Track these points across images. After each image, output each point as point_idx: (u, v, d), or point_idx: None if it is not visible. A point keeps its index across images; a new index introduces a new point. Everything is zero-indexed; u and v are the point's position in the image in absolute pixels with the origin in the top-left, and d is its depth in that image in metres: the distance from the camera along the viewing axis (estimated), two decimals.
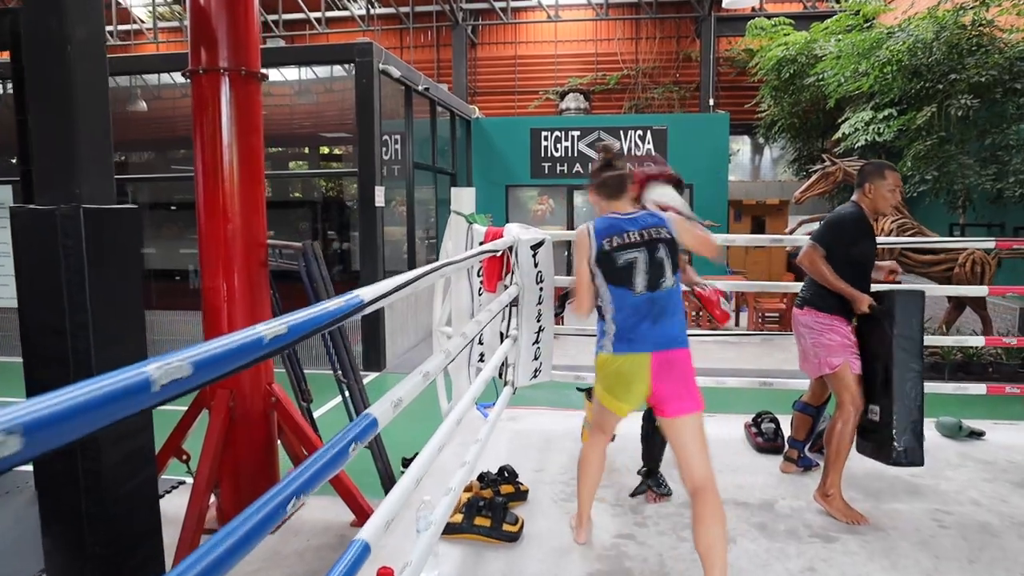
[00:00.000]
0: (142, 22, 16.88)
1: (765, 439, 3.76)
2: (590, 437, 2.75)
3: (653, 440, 3.15)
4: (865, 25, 10.65)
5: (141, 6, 16.63)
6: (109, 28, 16.30)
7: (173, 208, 9.51)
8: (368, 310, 1.45)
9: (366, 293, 1.46)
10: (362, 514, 3.76)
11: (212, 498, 3.76)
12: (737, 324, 10.18)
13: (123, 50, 16.12)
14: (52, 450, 0.64)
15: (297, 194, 10.81)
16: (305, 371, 4.44)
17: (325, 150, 10.91)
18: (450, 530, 2.75)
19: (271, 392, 3.84)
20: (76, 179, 2.35)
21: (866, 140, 9.30)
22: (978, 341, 5.64)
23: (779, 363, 7.58)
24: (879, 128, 9.17)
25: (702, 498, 2.28)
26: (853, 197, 3.16)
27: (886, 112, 9.23)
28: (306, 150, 10.93)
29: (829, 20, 11.31)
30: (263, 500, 0.98)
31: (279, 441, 4.13)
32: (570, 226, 12.26)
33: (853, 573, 2.54)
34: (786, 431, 3.65)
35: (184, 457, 3.95)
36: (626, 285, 2.41)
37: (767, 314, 9.56)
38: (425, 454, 2.11)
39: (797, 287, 3.33)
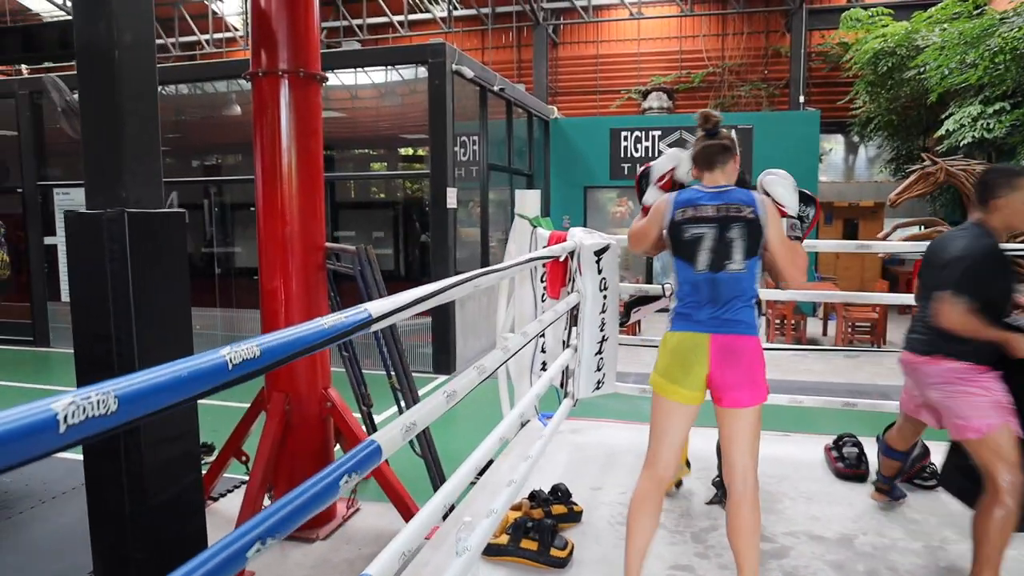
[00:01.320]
0: (236, 29, 17.60)
1: (847, 465, 3.43)
2: (642, 473, 2.31)
3: None
4: (975, 12, 9.83)
5: (234, 15, 17.33)
6: (205, 36, 17.11)
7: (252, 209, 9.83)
8: (375, 327, 1.32)
9: (375, 308, 1.34)
10: None
11: (267, 501, 3.77)
12: (825, 334, 9.61)
13: (217, 56, 16.85)
14: None
15: (381, 195, 10.92)
16: (373, 372, 4.42)
17: (409, 151, 10.97)
18: (494, 551, 2.61)
19: (327, 396, 3.82)
20: (123, 183, 2.35)
21: (973, 137, 8.58)
22: None
23: (871, 377, 7.04)
24: (988, 124, 8.44)
25: (739, 496, 2.18)
26: (974, 218, 2.49)
27: (997, 106, 8.49)
28: (386, 151, 11.09)
29: (933, 8, 10.49)
30: (218, 547, 0.87)
31: (338, 445, 4.12)
32: None
33: None
34: (870, 456, 3.31)
35: (243, 458, 3.99)
36: (688, 260, 2.24)
37: (858, 324, 8.95)
38: (457, 477, 1.98)
39: (890, 298, 2.92)
